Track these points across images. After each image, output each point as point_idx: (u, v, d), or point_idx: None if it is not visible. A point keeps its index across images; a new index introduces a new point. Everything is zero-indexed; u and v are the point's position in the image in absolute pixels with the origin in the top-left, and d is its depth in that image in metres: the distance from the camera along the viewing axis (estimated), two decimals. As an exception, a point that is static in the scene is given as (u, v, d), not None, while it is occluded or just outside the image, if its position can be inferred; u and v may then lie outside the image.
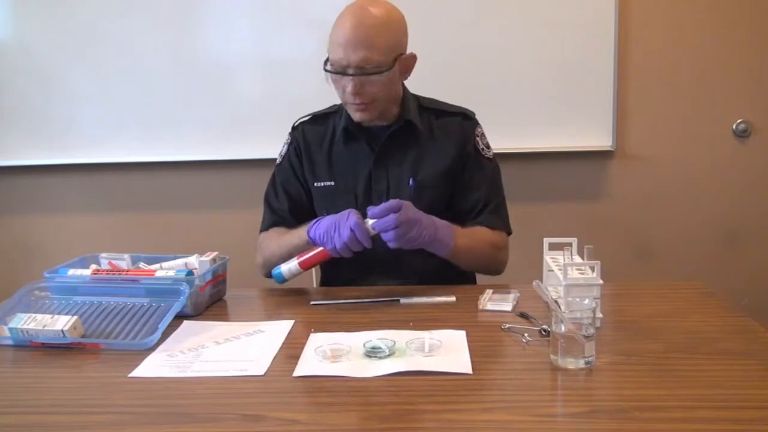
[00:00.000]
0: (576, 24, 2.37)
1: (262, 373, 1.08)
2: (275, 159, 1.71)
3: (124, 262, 1.47)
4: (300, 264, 1.44)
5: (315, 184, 1.63)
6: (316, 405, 0.98)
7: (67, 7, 2.45)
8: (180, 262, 1.44)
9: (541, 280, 1.34)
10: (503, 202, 1.64)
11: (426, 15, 2.37)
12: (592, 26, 2.38)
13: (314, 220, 1.45)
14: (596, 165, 2.52)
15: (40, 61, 2.49)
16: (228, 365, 1.11)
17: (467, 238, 1.51)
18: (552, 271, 1.36)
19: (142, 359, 1.14)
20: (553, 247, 1.39)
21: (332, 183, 1.61)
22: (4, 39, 2.50)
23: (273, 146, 1.73)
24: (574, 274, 1.24)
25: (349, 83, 1.46)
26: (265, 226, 1.67)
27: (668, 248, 2.56)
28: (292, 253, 1.48)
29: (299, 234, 1.49)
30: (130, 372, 1.10)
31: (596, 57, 2.39)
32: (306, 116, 1.69)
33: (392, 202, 1.37)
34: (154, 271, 1.42)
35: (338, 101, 1.61)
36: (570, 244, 1.33)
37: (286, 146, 1.69)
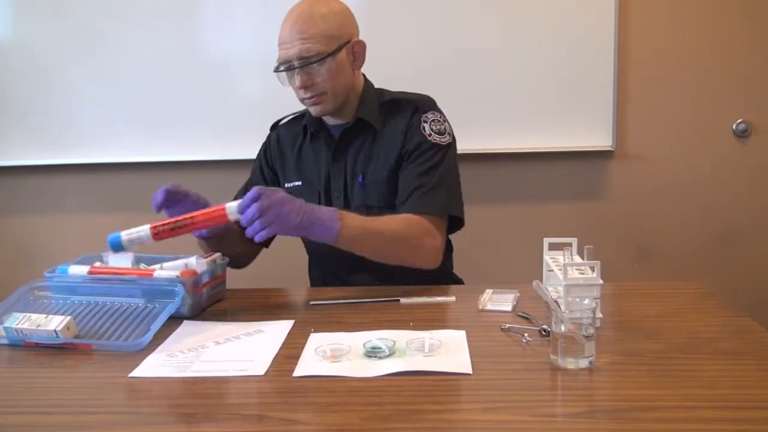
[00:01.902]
0: (576, 24, 2.37)
1: (262, 373, 1.08)
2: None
3: (127, 260, 1.47)
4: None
5: (285, 185, 1.65)
6: (316, 405, 0.98)
7: (68, 7, 2.45)
8: (180, 263, 1.44)
9: (541, 280, 1.34)
10: (441, 185, 1.51)
11: (426, 15, 2.37)
12: (592, 26, 2.38)
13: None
14: (596, 165, 2.52)
15: (40, 61, 2.49)
16: (228, 365, 1.11)
17: (364, 222, 1.39)
18: (552, 271, 1.36)
19: (142, 359, 1.14)
20: (553, 247, 1.39)
21: (300, 183, 1.64)
22: (4, 39, 2.50)
23: (273, 146, 1.73)
24: (574, 274, 1.24)
25: (296, 78, 1.50)
26: None
27: (668, 248, 2.56)
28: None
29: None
30: (129, 372, 1.10)
31: (596, 57, 2.39)
32: (287, 116, 1.72)
33: (253, 190, 1.29)
34: (152, 271, 1.42)
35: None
36: (570, 244, 1.33)
37: (261, 146, 1.73)
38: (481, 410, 0.95)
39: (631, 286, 1.47)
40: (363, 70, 1.63)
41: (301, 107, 1.68)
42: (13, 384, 1.10)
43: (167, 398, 1.01)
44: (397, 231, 1.44)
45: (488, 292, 1.40)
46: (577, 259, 1.33)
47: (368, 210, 1.48)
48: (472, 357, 1.09)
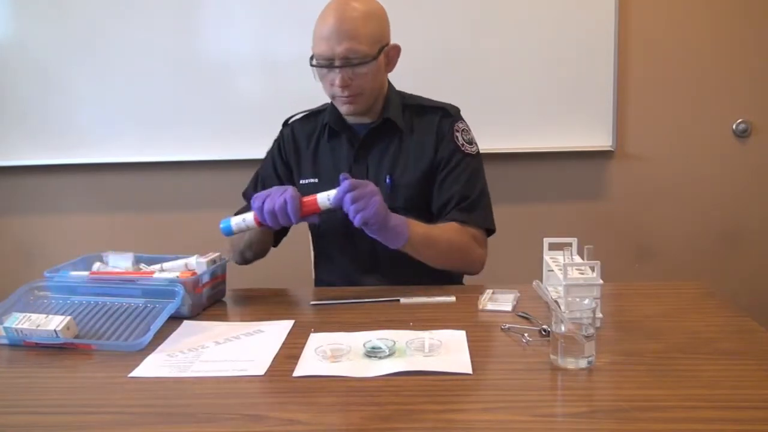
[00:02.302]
0: (576, 24, 2.37)
1: (262, 373, 1.08)
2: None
3: (127, 260, 1.47)
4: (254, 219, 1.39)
5: (300, 181, 1.63)
6: (316, 405, 0.98)
7: (68, 7, 2.45)
8: (181, 263, 1.44)
9: (541, 280, 1.34)
10: (481, 199, 1.58)
11: (426, 15, 2.37)
12: (592, 26, 2.38)
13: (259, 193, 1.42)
14: (596, 165, 2.52)
15: (40, 61, 2.49)
16: (228, 365, 1.11)
17: (426, 230, 1.46)
18: (552, 271, 1.36)
19: (142, 359, 1.14)
20: (553, 247, 1.39)
21: (316, 180, 1.62)
22: (4, 39, 2.50)
23: (273, 146, 1.73)
24: (574, 274, 1.24)
25: (336, 76, 1.47)
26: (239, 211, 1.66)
27: (668, 248, 2.56)
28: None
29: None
30: (129, 372, 1.10)
31: (596, 57, 2.39)
32: (299, 113, 1.70)
33: (345, 183, 1.34)
34: (153, 272, 1.42)
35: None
36: (570, 244, 1.33)
37: (274, 142, 1.71)
38: (481, 410, 0.95)
39: (631, 286, 1.47)
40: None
41: (313, 105, 1.67)
42: (13, 384, 1.10)
43: (167, 398, 1.01)
44: (454, 240, 1.50)
45: (488, 292, 1.40)
46: (577, 259, 1.33)
47: (399, 210, 1.45)
48: (472, 357, 1.09)
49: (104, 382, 1.08)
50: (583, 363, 1.04)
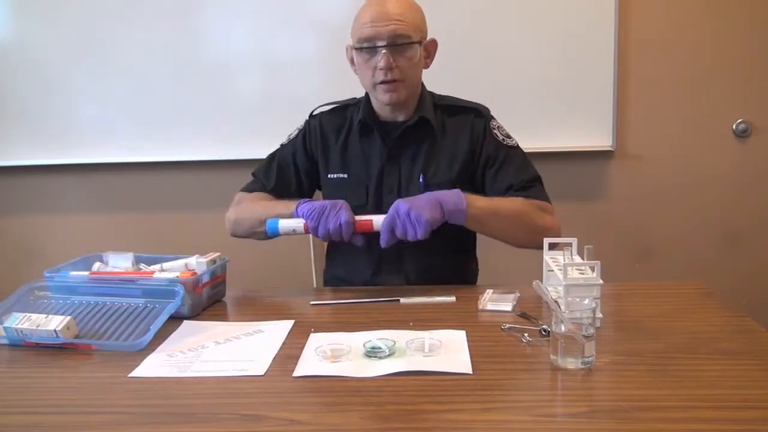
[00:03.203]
0: (576, 24, 2.37)
1: (262, 373, 1.08)
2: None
3: (127, 260, 1.47)
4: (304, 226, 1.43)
5: (328, 175, 1.63)
6: (316, 405, 0.98)
7: (67, 7, 2.45)
8: (181, 263, 1.44)
9: (541, 280, 1.34)
10: (537, 179, 1.60)
11: (426, 15, 2.37)
12: (592, 26, 2.38)
13: (306, 199, 1.47)
14: (596, 165, 2.52)
15: (40, 61, 2.49)
16: (228, 365, 1.11)
17: (488, 201, 1.47)
18: (552, 271, 1.36)
19: (142, 359, 1.14)
20: (553, 247, 1.39)
21: (345, 175, 1.61)
22: (4, 39, 2.50)
23: (273, 146, 1.72)
24: (574, 274, 1.24)
25: (381, 59, 1.48)
26: (248, 189, 1.67)
27: (668, 248, 2.56)
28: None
29: (287, 204, 1.49)
30: (129, 372, 1.10)
31: (596, 57, 2.39)
32: (326, 105, 1.69)
33: (388, 218, 1.39)
34: (153, 272, 1.42)
35: (356, 94, 1.62)
36: (570, 244, 1.33)
37: (297, 131, 1.69)
38: (481, 410, 0.95)
39: (631, 286, 1.47)
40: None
41: (311, 108, 1.67)
42: (13, 384, 1.10)
43: (167, 398, 1.01)
44: (519, 209, 1.50)
45: (488, 292, 1.40)
46: (577, 259, 1.33)
47: None
48: (472, 357, 1.09)
49: (104, 382, 1.08)
50: (582, 363, 1.04)
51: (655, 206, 2.54)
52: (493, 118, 1.65)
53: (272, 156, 1.70)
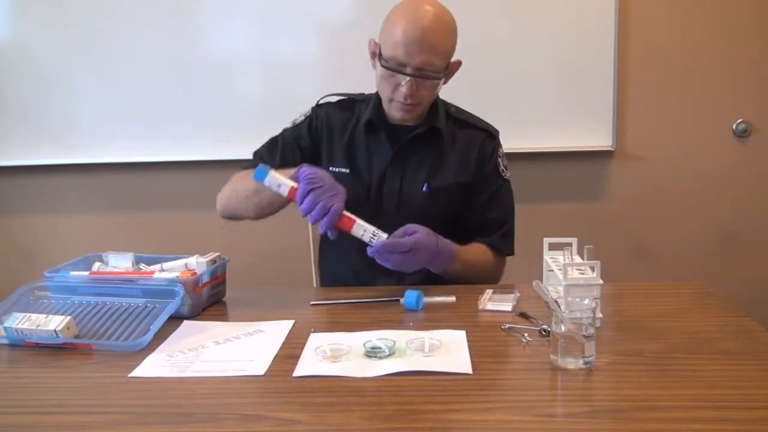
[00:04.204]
0: (576, 24, 2.37)
1: (262, 373, 1.08)
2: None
3: (127, 260, 1.47)
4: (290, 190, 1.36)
5: (330, 168, 1.60)
6: (316, 405, 0.98)
7: (67, 7, 2.45)
8: (181, 263, 1.44)
9: (541, 280, 1.34)
10: (513, 226, 1.64)
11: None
12: (592, 26, 2.38)
13: (312, 168, 1.38)
14: (596, 165, 2.52)
15: (40, 61, 2.49)
16: (228, 365, 1.11)
17: (463, 260, 1.51)
18: (552, 271, 1.36)
19: (142, 359, 1.14)
20: (553, 247, 1.39)
21: (347, 171, 1.60)
22: (4, 39, 2.50)
23: (273, 146, 1.72)
24: (574, 274, 1.24)
25: (404, 84, 1.45)
26: (246, 167, 1.64)
27: (668, 248, 2.56)
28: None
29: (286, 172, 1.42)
30: (129, 372, 1.10)
31: (596, 57, 2.39)
32: (333, 96, 1.67)
33: (411, 242, 1.38)
34: (153, 272, 1.42)
35: (366, 90, 1.62)
36: (570, 244, 1.33)
37: (303, 117, 1.67)
38: (481, 410, 0.95)
39: (631, 286, 1.47)
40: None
41: (311, 104, 1.66)
42: (13, 384, 1.10)
43: (167, 398, 1.01)
44: (484, 268, 1.58)
45: (488, 292, 1.40)
46: (577, 259, 1.33)
47: (427, 217, 1.46)
48: (472, 357, 1.09)
49: (104, 382, 1.08)
50: (582, 363, 1.04)
51: (655, 206, 2.54)
52: (501, 144, 1.65)
53: (275, 138, 1.67)
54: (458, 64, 1.54)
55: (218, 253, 1.46)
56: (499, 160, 1.63)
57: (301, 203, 1.34)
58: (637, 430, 0.88)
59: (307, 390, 1.02)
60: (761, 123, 2.48)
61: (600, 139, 2.46)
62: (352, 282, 1.60)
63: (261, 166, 1.38)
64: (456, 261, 1.48)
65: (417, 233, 1.38)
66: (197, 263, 1.42)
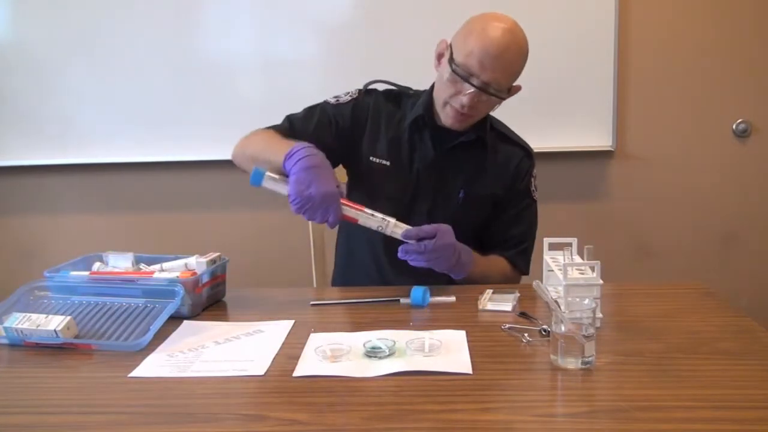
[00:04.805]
0: (576, 24, 2.37)
1: (262, 373, 1.08)
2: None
3: (127, 260, 1.47)
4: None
5: (371, 157, 1.59)
6: (316, 405, 0.98)
7: (67, 7, 2.45)
8: (180, 263, 1.44)
9: (541, 280, 1.34)
10: (533, 245, 1.65)
11: (426, 14, 2.37)
12: (592, 26, 2.38)
13: (311, 152, 1.34)
14: (596, 165, 2.52)
15: (40, 61, 2.49)
16: (228, 365, 1.11)
17: (482, 267, 1.53)
18: (552, 271, 1.36)
19: (142, 359, 1.14)
20: (553, 247, 1.39)
21: (389, 163, 1.59)
22: (3, 39, 2.50)
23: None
24: (574, 274, 1.24)
25: (467, 93, 1.44)
26: (274, 127, 1.60)
27: (668, 248, 2.56)
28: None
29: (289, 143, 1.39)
30: (129, 372, 1.10)
31: (596, 57, 2.39)
32: (381, 83, 1.64)
33: (434, 236, 1.37)
34: (153, 272, 1.42)
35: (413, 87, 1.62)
36: (570, 244, 1.33)
37: (349, 98, 1.62)
38: (481, 410, 0.95)
39: (631, 286, 1.47)
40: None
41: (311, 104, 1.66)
42: (13, 384, 1.10)
43: (167, 398, 1.01)
44: (497, 277, 1.57)
45: (488, 292, 1.40)
46: (577, 259, 1.33)
47: (456, 223, 1.45)
48: (472, 357, 1.09)
49: (104, 382, 1.08)
50: (582, 363, 1.04)
51: (655, 206, 2.54)
52: (535, 165, 1.66)
53: (313, 108, 1.62)
54: (518, 88, 1.53)
55: (218, 253, 1.46)
56: (532, 179, 1.64)
57: (296, 211, 1.33)
58: (637, 430, 0.88)
59: (307, 390, 1.02)
60: (761, 123, 2.48)
61: (600, 139, 2.46)
62: (374, 278, 1.62)
63: (255, 170, 1.36)
64: (477, 264, 1.49)
65: (440, 226, 1.39)
66: (197, 263, 1.41)
